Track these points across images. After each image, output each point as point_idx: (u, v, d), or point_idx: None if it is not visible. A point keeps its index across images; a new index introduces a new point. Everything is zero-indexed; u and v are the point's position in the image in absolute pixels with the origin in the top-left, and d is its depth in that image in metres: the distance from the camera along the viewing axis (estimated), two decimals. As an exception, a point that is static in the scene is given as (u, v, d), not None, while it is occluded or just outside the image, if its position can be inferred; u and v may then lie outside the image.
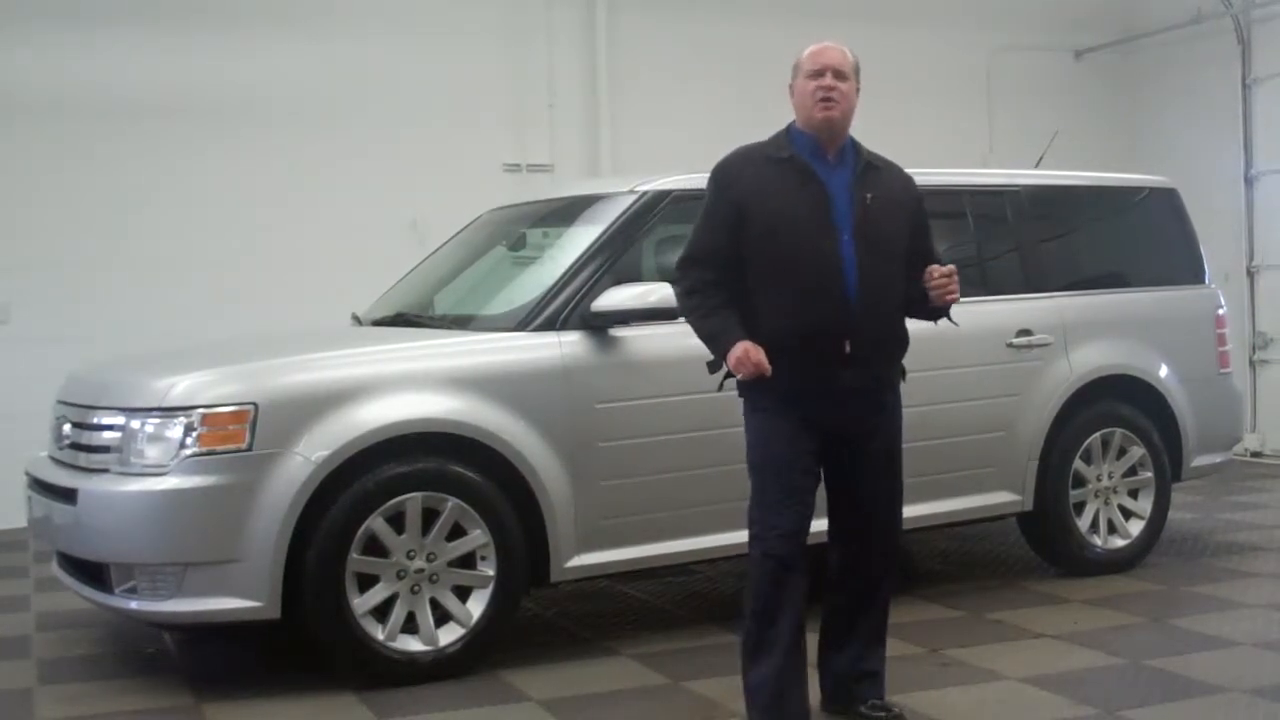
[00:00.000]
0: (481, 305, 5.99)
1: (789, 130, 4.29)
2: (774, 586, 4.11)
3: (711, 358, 4.24)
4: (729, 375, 4.24)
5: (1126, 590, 6.10)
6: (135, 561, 4.77)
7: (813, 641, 4.39)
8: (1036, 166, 7.21)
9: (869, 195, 4.17)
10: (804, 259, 4.09)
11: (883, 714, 4.33)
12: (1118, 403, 6.45)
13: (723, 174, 4.26)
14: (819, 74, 4.18)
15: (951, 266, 4.23)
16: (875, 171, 4.25)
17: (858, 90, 4.26)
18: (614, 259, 5.40)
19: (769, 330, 4.10)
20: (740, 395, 4.28)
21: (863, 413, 4.22)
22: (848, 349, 4.11)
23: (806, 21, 9.91)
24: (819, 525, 4.28)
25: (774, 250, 4.12)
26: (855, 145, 4.29)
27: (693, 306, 4.24)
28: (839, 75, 4.18)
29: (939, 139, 10.14)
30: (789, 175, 4.17)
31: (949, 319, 4.41)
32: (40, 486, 5.24)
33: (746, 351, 4.03)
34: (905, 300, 4.27)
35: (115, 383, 5.21)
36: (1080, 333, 6.33)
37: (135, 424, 4.82)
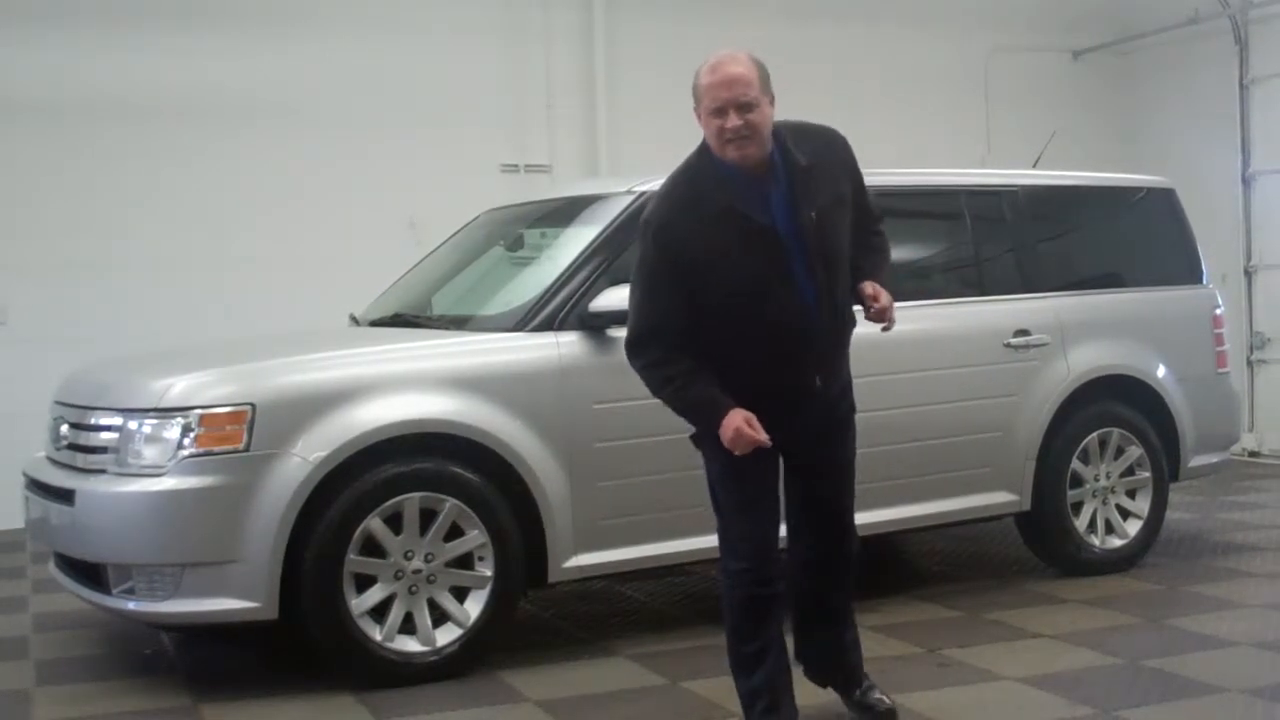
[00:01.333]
0: (479, 305, 5.99)
1: (711, 158, 3.86)
2: (750, 600, 3.98)
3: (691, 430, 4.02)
4: None
5: (1124, 590, 6.11)
6: (133, 562, 4.77)
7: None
8: (1034, 167, 7.22)
9: (812, 213, 3.82)
10: (771, 316, 3.83)
11: (873, 701, 4.31)
12: (1115, 403, 6.45)
13: (666, 236, 3.82)
14: (720, 113, 3.74)
15: (885, 300, 3.94)
16: (806, 174, 3.84)
17: (771, 100, 3.82)
18: (611, 259, 5.38)
19: (739, 385, 3.86)
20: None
21: (824, 428, 4.11)
22: (818, 383, 3.97)
23: (803, 22, 9.94)
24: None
25: (739, 311, 3.83)
26: (780, 143, 3.86)
27: (665, 379, 3.88)
28: (742, 108, 3.72)
29: (937, 139, 10.15)
30: (736, 229, 3.78)
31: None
32: (38, 487, 5.24)
33: (739, 431, 3.76)
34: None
35: (113, 383, 5.21)
36: (1078, 333, 6.33)
37: (133, 425, 4.82)
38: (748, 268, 3.80)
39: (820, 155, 3.91)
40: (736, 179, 3.82)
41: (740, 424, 3.76)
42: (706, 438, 3.98)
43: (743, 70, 3.76)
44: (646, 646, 5.37)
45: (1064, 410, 6.24)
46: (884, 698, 4.35)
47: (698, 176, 3.88)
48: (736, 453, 3.81)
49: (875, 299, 3.96)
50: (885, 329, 4.04)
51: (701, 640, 5.45)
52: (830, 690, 4.42)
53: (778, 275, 3.82)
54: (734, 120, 3.73)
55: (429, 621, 4.92)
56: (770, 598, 3.99)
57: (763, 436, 3.77)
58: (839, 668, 4.37)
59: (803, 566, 4.29)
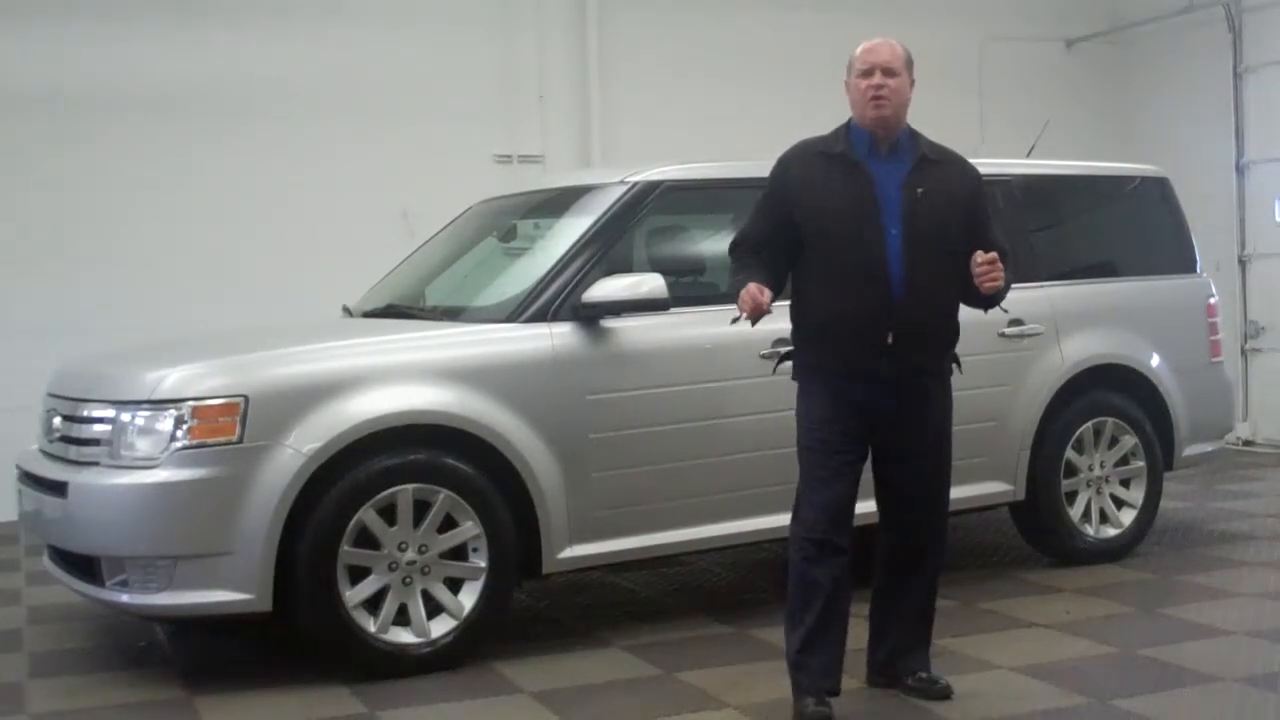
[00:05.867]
0: (472, 296, 5.98)
1: (848, 125, 4.38)
2: (806, 562, 4.29)
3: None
4: (783, 359, 4.48)
5: (1118, 579, 6.11)
6: (126, 554, 4.76)
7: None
8: (1028, 156, 7.21)
9: (920, 190, 4.27)
10: (849, 250, 4.23)
11: (928, 686, 4.49)
12: (1109, 392, 6.45)
13: (778, 168, 4.41)
14: (868, 73, 4.31)
15: (993, 254, 4.21)
16: (931, 165, 4.34)
17: (911, 83, 4.39)
18: (605, 250, 5.39)
19: (816, 316, 4.30)
20: (794, 379, 4.44)
21: (906, 400, 4.34)
22: (890, 340, 4.22)
23: (796, 13, 9.92)
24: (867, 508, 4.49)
25: (822, 242, 4.27)
26: (914, 137, 4.40)
27: (731, 271, 4.41)
28: (888, 72, 4.31)
29: (930, 128, 9.98)
30: (837, 169, 4.29)
31: (1001, 307, 4.51)
32: (30, 480, 5.22)
33: (746, 289, 4.16)
34: (960, 291, 4.36)
35: (105, 375, 5.19)
36: (1072, 322, 6.33)
37: (125, 417, 4.80)
38: (835, 200, 4.25)
39: (948, 161, 4.43)
40: (865, 140, 4.32)
41: (750, 286, 4.16)
42: (799, 401, 4.40)
43: (893, 46, 4.39)
44: (641, 637, 5.37)
45: (1058, 400, 6.24)
46: (939, 678, 4.53)
47: (834, 133, 4.40)
48: (744, 312, 4.16)
49: (991, 261, 4.20)
50: (989, 285, 4.21)
51: (696, 631, 5.45)
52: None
53: (866, 222, 4.22)
54: (879, 78, 4.29)
55: (423, 613, 4.91)
56: (825, 555, 4.26)
57: (762, 301, 4.12)
58: (900, 670, 4.56)
59: (885, 560, 4.56)
